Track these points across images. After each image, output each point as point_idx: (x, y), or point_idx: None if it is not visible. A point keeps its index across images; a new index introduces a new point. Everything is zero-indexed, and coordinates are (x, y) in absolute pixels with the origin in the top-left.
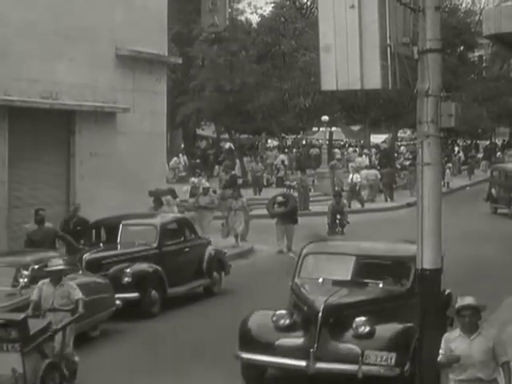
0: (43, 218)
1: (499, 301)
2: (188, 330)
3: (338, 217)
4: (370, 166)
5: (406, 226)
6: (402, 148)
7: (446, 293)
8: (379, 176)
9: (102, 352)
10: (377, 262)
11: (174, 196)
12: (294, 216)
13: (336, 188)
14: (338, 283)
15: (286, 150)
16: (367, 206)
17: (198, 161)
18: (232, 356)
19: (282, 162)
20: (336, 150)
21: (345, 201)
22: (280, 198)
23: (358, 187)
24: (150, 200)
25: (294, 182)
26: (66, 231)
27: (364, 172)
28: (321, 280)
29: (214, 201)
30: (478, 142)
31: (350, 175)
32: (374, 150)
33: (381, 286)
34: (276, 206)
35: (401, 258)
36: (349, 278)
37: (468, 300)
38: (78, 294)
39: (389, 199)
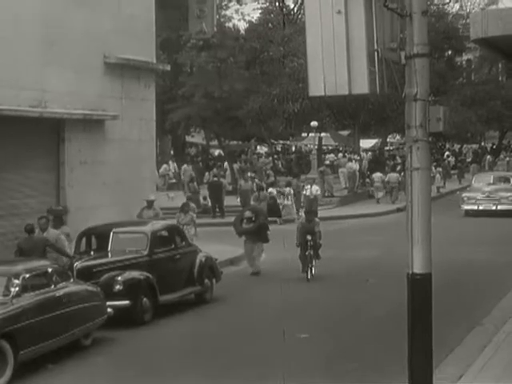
0: (33, 227)
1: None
2: (180, 337)
3: (309, 238)
4: (362, 172)
5: (393, 231)
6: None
7: None
8: (400, 179)
9: (94, 360)
10: None
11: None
12: (263, 234)
13: (327, 194)
14: None
15: (276, 156)
16: (355, 211)
17: None
18: (224, 364)
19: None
20: (331, 155)
21: (317, 219)
22: (248, 214)
23: (317, 201)
24: (137, 207)
25: (288, 189)
26: None
27: (378, 175)
28: None
29: (158, 214)
30: (462, 146)
31: (308, 187)
32: (364, 155)
33: None
34: (244, 222)
35: None
36: None
37: None
38: None
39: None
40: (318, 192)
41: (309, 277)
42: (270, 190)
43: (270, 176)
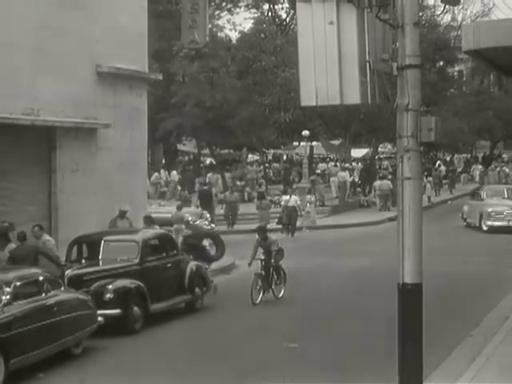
0: (25, 234)
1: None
2: (171, 346)
3: (262, 257)
4: (353, 182)
5: (384, 241)
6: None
7: None
8: (391, 186)
9: (84, 369)
10: None
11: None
12: (198, 253)
13: (318, 203)
14: None
15: (267, 165)
16: (346, 220)
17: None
18: (216, 372)
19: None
20: (323, 164)
21: (274, 237)
22: (187, 232)
23: (301, 212)
24: (128, 215)
25: (282, 198)
26: None
27: (378, 183)
28: None
29: (131, 224)
30: (453, 156)
31: (287, 197)
32: (355, 165)
33: None
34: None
35: None
36: None
37: None
38: None
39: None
40: (298, 202)
41: (257, 301)
42: (287, 197)
43: (261, 185)
